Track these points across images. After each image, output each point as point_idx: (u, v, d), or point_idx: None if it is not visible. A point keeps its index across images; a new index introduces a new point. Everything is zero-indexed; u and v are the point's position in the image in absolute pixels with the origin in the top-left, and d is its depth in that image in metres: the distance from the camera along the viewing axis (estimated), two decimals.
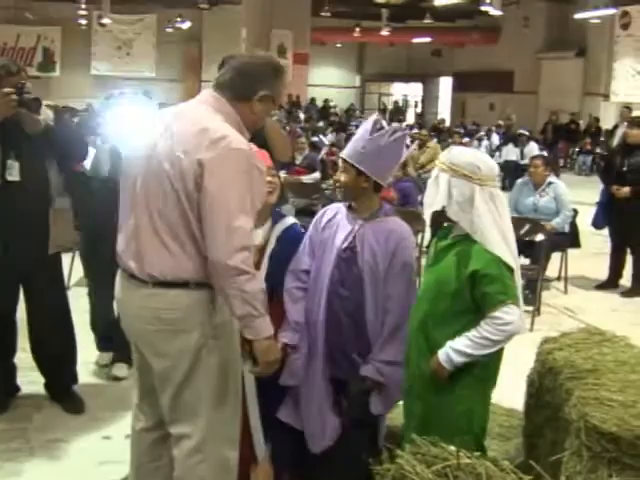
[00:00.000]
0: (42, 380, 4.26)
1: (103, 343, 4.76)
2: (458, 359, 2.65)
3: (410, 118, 29.14)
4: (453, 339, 2.68)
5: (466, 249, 2.72)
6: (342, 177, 2.99)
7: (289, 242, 3.05)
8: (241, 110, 2.56)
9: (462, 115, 26.22)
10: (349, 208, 3.05)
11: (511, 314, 2.63)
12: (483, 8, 20.13)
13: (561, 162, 17.71)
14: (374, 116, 3.10)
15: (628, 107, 14.62)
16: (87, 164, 4.35)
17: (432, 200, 2.76)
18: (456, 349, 2.66)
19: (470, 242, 2.73)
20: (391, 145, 2.96)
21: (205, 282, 2.46)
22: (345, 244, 2.96)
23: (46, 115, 3.83)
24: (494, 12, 20.41)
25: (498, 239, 2.70)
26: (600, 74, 20.49)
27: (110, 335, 4.55)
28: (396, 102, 31.24)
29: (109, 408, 4.21)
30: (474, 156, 2.79)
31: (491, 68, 24.77)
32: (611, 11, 18.87)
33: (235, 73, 2.59)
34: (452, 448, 1.60)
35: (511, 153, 14.55)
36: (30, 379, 4.29)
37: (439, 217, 2.85)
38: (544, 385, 2.89)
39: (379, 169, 2.95)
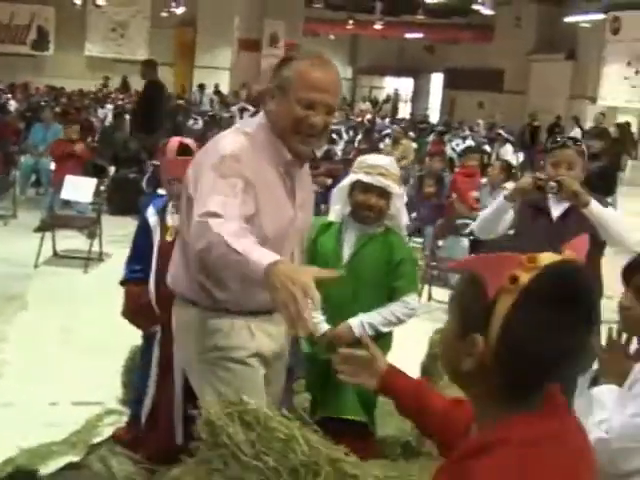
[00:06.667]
0: None
1: None
2: (369, 331, 2.89)
3: (402, 112, 29.24)
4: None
5: (388, 242, 3.02)
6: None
7: None
8: None
9: (451, 113, 26.32)
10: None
11: (416, 302, 3.03)
12: (475, 7, 20.29)
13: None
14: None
15: (602, 114, 14.96)
16: None
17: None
18: (371, 323, 2.93)
19: (386, 236, 3.03)
20: None
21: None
22: None
23: None
24: (485, 11, 20.67)
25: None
26: (588, 78, 20.67)
27: None
28: (388, 97, 31.17)
29: (56, 375, 4.45)
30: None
31: (482, 66, 24.89)
32: (601, 16, 19.09)
33: None
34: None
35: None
36: None
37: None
38: (431, 371, 3.21)
39: None
